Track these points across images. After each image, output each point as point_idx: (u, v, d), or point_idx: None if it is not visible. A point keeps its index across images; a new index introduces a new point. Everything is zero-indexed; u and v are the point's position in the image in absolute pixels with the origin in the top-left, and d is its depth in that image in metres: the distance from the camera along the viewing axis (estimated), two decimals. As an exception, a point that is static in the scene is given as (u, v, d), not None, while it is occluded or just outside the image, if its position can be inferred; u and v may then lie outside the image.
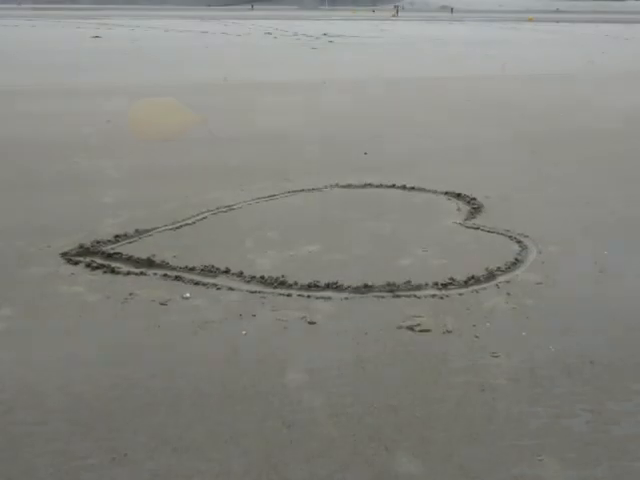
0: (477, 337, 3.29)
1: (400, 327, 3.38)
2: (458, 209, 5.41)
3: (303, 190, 5.88)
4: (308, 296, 3.73)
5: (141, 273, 4.03)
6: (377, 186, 6.04)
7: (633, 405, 2.76)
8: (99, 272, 4.05)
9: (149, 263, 4.16)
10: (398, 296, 3.74)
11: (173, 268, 4.10)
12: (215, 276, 3.99)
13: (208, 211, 5.24)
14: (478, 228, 4.94)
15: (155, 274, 4.02)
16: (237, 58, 19.86)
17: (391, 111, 10.51)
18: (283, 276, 3.96)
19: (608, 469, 2.38)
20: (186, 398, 2.77)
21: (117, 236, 4.61)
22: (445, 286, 3.86)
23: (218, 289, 3.81)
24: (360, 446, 2.48)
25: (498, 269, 4.11)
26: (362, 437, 2.53)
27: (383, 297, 3.73)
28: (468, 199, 5.63)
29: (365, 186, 6.05)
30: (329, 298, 3.71)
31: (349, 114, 10.17)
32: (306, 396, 2.79)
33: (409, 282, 3.89)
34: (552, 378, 2.95)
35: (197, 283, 3.89)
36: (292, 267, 4.13)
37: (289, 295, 3.74)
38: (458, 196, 5.72)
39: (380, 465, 2.39)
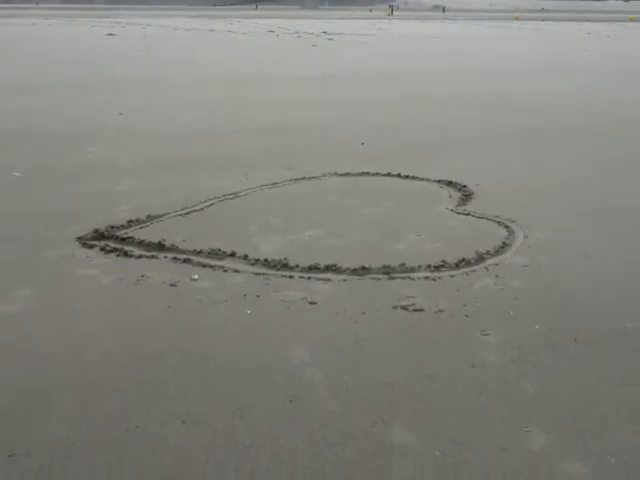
0: (467, 316, 3.26)
1: (395, 307, 3.34)
2: (450, 196, 5.34)
3: (304, 178, 5.81)
4: (309, 278, 3.68)
5: (152, 256, 3.99)
6: (374, 174, 5.97)
7: (616, 380, 2.73)
8: (113, 255, 4.00)
9: (160, 247, 4.11)
10: (393, 278, 3.70)
11: (182, 251, 4.05)
12: (221, 259, 3.94)
13: (215, 198, 5.18)
14: (469, 214, 4.88)
15: (165, 257, 3.97)
16: (242, 55, 19.63)
17: (387, 104, 10.38)
18: (285, 259, 3.91)
19: (592, 441, 2.35)
20: (194, 374, 2.73)
21: (130, 221, 4.56)
22: (437, 268, 3.82)
23: (224, 271, 3.77)
24: (358, 419, 2.45)
25: (487, 252, 4.06)
26: (360, 411, 2.50)
27: (379, 279, 3.69)
28: (459, 187, 5.56)
29: (362, 174, 5.97)
30: (329, 280, 3.67)
31: (347, 107, 10.05)
32: (307, 372, 2.75)
33: (404, 264, 3.85)
34: (538, 355, 2.91)
35: (205, 265, 3.84)
36: (294, 251, 4.08)
37: (291, 277, 3.70)
38: (450, 184, 5.66)
39: (377, 437, 2.36)
